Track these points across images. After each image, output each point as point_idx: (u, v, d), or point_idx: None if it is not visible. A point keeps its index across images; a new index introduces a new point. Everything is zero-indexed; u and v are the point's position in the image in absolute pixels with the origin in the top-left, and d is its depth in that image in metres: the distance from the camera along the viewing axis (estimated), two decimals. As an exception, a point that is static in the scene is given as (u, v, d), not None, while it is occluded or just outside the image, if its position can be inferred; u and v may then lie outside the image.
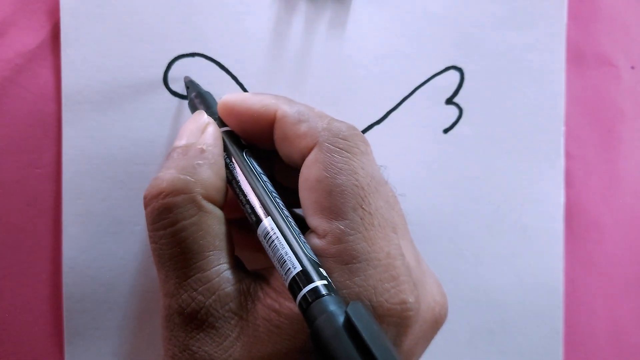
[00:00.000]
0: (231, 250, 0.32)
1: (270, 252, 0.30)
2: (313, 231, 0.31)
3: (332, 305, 0.27)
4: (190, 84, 0.38)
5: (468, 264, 0.44)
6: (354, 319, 0.26)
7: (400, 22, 0.42)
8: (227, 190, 0.33)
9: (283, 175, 0.36)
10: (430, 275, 0.35)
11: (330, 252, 0.30)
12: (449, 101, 0.43)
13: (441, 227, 0.43)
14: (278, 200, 0.32)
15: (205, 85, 0.39)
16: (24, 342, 0.39)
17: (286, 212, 0.31)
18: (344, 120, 0.33)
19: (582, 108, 0.45)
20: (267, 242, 0.31)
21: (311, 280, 0.28)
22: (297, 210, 0.36)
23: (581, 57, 0.45)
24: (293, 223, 0.31)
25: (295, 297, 0.29)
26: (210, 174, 0.32)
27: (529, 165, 0.44)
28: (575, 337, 0.45)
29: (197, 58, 0.40)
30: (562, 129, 0.44)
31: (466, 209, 0.43)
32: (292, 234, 0.30)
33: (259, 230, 0.31)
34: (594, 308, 0.46)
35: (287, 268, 0.29)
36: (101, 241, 0.39)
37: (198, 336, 0.31)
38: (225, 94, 0.35)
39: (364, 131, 0.42)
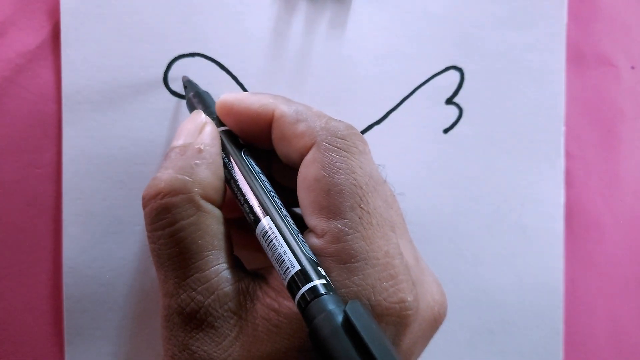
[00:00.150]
0: (230, 249, 0.32)
1: (269, 251, 0.30)
2: (311, 230, 0.31)
3: (331, 304, 0.27)
4: (188, 84, 0.38)
5: (468, 264, 0.44)
6: (352, 317, 0.26)
7: (400, 22, 0.42)
8: (225, 189, 0.33)
9: (281, 174, 0.36)
10: (429, 274, 0.35)
11: (329, 251, 0.30)
12: (449, 101, 0.43)
13: (441, 227, 0.43)
14: (276, 199, 0.32)
15: (205, 85, 0.39)
16: (24, 342, 0.39)
17: (285, 212, 0.31)
18: (344, 120, 0.33)
19: (582, 108, 0.45)
20: (265, 242, 0.31)
21: (310, 280, 0.28)
22: (296, 210, 0.36)
23: (581, 57, 0.45)
24: (291, 222, 0.31)
25: (293, 296, 0.29)
26: (208, 173, 0.32)
27: (529, 165, 0.44)
28: (575, 337, 0.45)
29: (197, 58, 0.40)
30: (562, 129, 0.44)
31: (466, 209, 0.43)
32: (291, 233, 0.30)
33: (258, 230, 0.31)
34: (594, 308, 0.46)
35: (286, 267, 0.29)
36: (101, 241, 0.39)
37: (197, 336, 0.31)
38: (224, 94, 0.35)
39: (364, 131, 0.42)
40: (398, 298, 0.30)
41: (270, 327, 0.30)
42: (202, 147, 0.33)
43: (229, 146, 0.34)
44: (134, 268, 0.39)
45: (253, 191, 0.32)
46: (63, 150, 0.38)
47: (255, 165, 0.33)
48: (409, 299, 0.30)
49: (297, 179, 0.32)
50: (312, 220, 0.31)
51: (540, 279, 0.44)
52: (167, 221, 0.31)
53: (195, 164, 0.32)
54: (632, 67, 0.46)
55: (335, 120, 0.32)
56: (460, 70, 0.43)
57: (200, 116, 0.34)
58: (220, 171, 0.33)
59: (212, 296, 0.31)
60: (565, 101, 0.44)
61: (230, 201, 0.33)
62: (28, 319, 0.39)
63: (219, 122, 0.35)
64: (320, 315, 0.27)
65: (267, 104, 0.33)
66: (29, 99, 0.38)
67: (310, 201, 0.31)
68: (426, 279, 0.34)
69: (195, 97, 0.37)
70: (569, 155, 0.45)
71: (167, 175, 0.31)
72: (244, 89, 0.40)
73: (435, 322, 0.34)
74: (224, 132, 0.34)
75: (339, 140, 0.32)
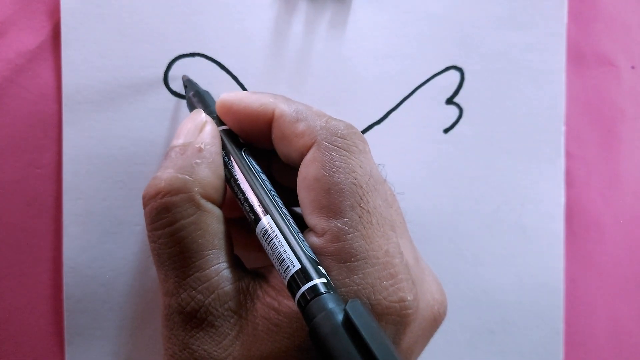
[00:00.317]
0: (230, 249, 0.32)
1: (269, 250, 0.30)
2: (311, 229, 0.31)
3: (331, 303, 0.27)
4: (188, 83, 0.38)
5: (468, 264, 0.44)
6: (353, 316, 0.26)
7: (400, 22, 0.42)
8: (225, 189, 0.33)
9: (281, 174, 0.36)
10: (429, 274, 0.35)
11: (329, 250, 0.30)
12: (449, 101, 0.43)
13: (441, 227, 0.43)
14: (277, 198, 0.32)
15: (205, 85, 0.39)
16: (25, 342, 0.39)
17: (285, 211, 0.31)
18: (344, 120, 0.33)
19: (582, 108, 0.45)
20: (265, 241, 0.31)
21: (310, 279, 0.28)
22: (296, 209, 0.36)
23: (581, 57, 0.45)
24: (292, 221, 0.31)
25: (294, 295, 0.29)
26: (208, 172, 0.32)
27: (529, 165, 0.44)
28: (576, 337, 0.45)
29: (197, 58, 0.40)
30: (563, 128, 0.44)
31: (466, 209, 0.43)
32: (291, 232, 0.30)
33: (258, 229, 0.31)
34: (594, 308, 0.46)
35: (286, 266, 0.29)
36: (101, 241, 0.39)
37: (197, 335, 0.31)
38: (223, 93, 0.35)
39: (364, 131, 0.42)
40: (398, 297, 0.30)
41: (271, 326, 0.30)
42: (202, 146, 0.33)
43: (229, 145, 0.34)
44: (134, 268, 0.39)
45: (253, 190, 0.32)
46: (63, 150, 0.38)
47: (255, 165, 0.33)
48: (409, 298, 0.30)
49: (297, 178, 0.32)
50: (312, 219, 0.31)
51: (540, 279, 0.44)
52: (167, 220, 0.31)
53: (196, 163, 0.32)
54: (632, 67, 0.46)
55: (336, 119, 0.32)
56: (460, 70, 0.43)
57: (201, 115, 0.34)
58: (221, 170, 0.33)
59: (213, 295, 0.31)
60: (566, 101, 0.44)
61: (231, 200, 0.33)
62: (28, 319, 0.39)
63: (219, 122, 0.35)
64: (320, 314, 0.27)
65: (267, 104, 0.33)
66: (29, 99, 0.38)
67: (310, 200, 0.31)
68: (426, 278, 0.34)
69: (195, 97, 0.37)
70: (569, 155, 0.45)
71: (167, 174, 0.31)
72: (244, 89, 0.40)
73: (435, 322, 0.34)
74: (224, 131, 0.34)
75: (339, 139, 0.32)
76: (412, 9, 0.42)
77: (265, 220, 0.31)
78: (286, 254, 0.29)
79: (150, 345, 0.40)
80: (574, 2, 0.45)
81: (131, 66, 0.39)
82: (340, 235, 0.30)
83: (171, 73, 0.39)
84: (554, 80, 0.44)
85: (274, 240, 0.30)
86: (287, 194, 0.35)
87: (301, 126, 0.32)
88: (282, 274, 0.29)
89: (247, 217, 0.32)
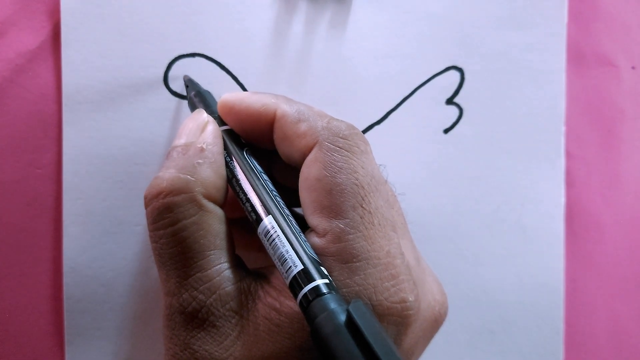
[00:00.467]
0: (232, 249, 0.32)
1: (271, 250, 0.30)
2: (313, 230, 0.31)
3: (333, 304, 0.27)
4: (189, 83, 0.38)
5: (468, 264, 0.44)
6: (355, 317, 0.26)
7: (400, 23, 0.42)
8: (227, 189, 0.33)
9: (283, 174, 0.36)
10: (430, 274, 0.35)
11: (330, 250, 0.30)
12: (449, 101, 0.43)
13: (441, 227, 0.43)
14: (278, 199, 0.32)
15: (205, 85, 0.39)
16: (25, 342, 0.39)
17: (286, 211, 0.31)
18: (344, 120, 0.33)
19: (583, 108, 0.45)
20: (267, 241, 0.31)
21: (312, 279, 0.28)
22: (297, 210, 0.36)
23: (581, 57, 0.45)
24: (293, 222, 0.31)
25: (296, 295, 0.29)
26: (210, 172, 0.32)
27: (529, 165, 0.44)
28: (576, 337, 0.45)
29: (197, 58, 0.40)
30: (563, 129, 0.44)
31: (466, 209, 0.43)
32: (293, 232, 0.30)
33: (260, 229, 0.31)
34: (594, 308, 0.46)
35: (288, 267, 0.29)
36: (101, 241, 0.39)
37: (199, 335, 0.31)
38: (225, 93, 0.35)
39: (364, 131, 0.42)
40: (399, 298, 0.30)
41: (272, 326, 0.30)
42: (204, 146, 0.32)
43: (230, 145, 0.34)
44: (134, 268, 0.39)
45: (255, 190, 0.32)
46: (63, 150, 0.38)
47: (257, 165, 0.33)
48: (410, 298, 0.30)
49: (299, 179, 0.32)
50: (313, 219, 0.31)
51: (540, 279, 0.44)
52: (169, 220, 0.31)
53: (198, 163, 0.32)
54: (633, 67, 0.46)
55: (337, 120, 0.32)
56: (460, 70, 0.43)
57: (202, 115, 0.34)
58: (223, 170, 0.33)
59: (214, 295, 0.31)
60: (566, 101, 0.44)
61: (233, 201, 0.33)
62: (28, 319, 0.39)
63: (220, 122, 0.35)
64: (322, 314, 0.27)
65: (268, 104, 0.33)
66: (29, 99, 0.38)
67: (312, 201, 0.31)
68: (427, 278, 0.34)
69: (196, 96, 0.37)
70: (569, 155, 0.45)
71: (169, 174, 0.31)
72: (244, 89, 0.40)
73: (436, 322, 0.34)
74: (226, 131, 0.34)
75: (341, 140, 0.32)
76: (412, 9, 0.42)
77: (267, 221, 0.31)
78: (288, 254, 0.29)
79: (151, 345, 0.40)
80: (574, 2, 0.45)
81: (131, 66, 0.39)
82: (342, 236, 0.30)
83: (171, 73, 0.39)
84: (554, 80, 0.44)
85: (276, 240, 0.30)
86: (289, 194, 0.35)
87: (303, 127, 0.32)
88: (284, 274, 0.29)
89: (249, 217, 0.32)
